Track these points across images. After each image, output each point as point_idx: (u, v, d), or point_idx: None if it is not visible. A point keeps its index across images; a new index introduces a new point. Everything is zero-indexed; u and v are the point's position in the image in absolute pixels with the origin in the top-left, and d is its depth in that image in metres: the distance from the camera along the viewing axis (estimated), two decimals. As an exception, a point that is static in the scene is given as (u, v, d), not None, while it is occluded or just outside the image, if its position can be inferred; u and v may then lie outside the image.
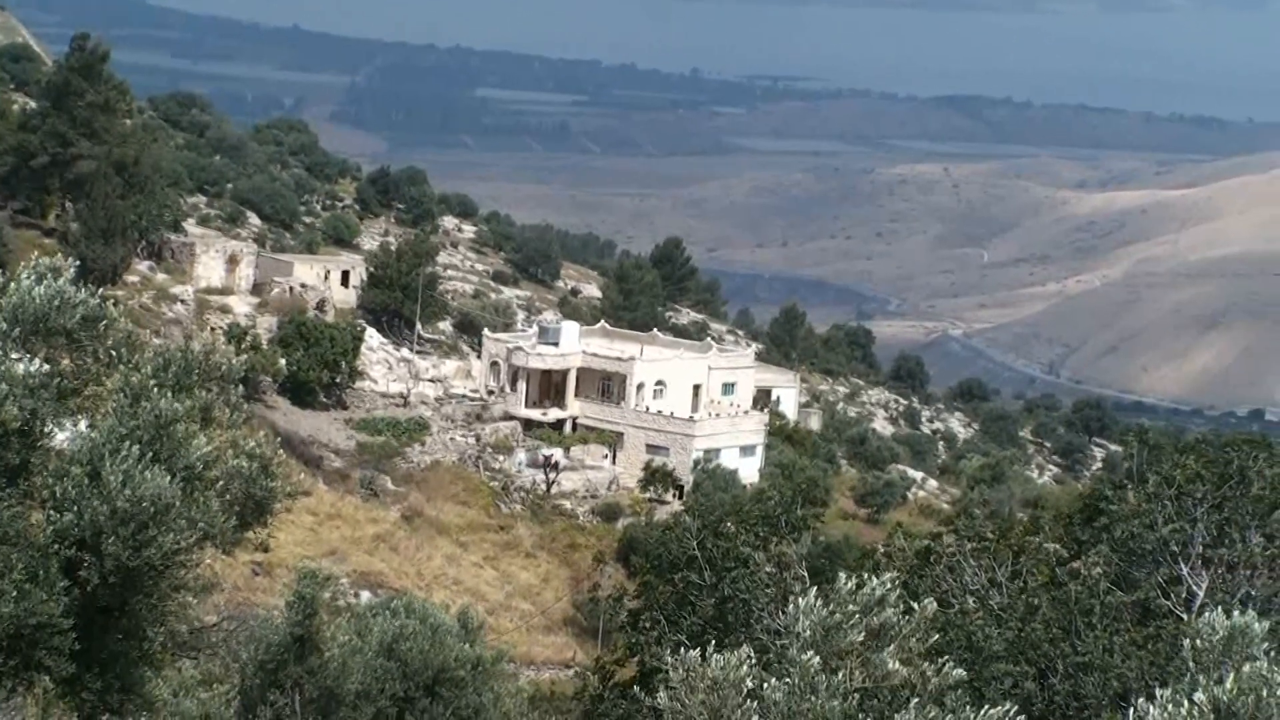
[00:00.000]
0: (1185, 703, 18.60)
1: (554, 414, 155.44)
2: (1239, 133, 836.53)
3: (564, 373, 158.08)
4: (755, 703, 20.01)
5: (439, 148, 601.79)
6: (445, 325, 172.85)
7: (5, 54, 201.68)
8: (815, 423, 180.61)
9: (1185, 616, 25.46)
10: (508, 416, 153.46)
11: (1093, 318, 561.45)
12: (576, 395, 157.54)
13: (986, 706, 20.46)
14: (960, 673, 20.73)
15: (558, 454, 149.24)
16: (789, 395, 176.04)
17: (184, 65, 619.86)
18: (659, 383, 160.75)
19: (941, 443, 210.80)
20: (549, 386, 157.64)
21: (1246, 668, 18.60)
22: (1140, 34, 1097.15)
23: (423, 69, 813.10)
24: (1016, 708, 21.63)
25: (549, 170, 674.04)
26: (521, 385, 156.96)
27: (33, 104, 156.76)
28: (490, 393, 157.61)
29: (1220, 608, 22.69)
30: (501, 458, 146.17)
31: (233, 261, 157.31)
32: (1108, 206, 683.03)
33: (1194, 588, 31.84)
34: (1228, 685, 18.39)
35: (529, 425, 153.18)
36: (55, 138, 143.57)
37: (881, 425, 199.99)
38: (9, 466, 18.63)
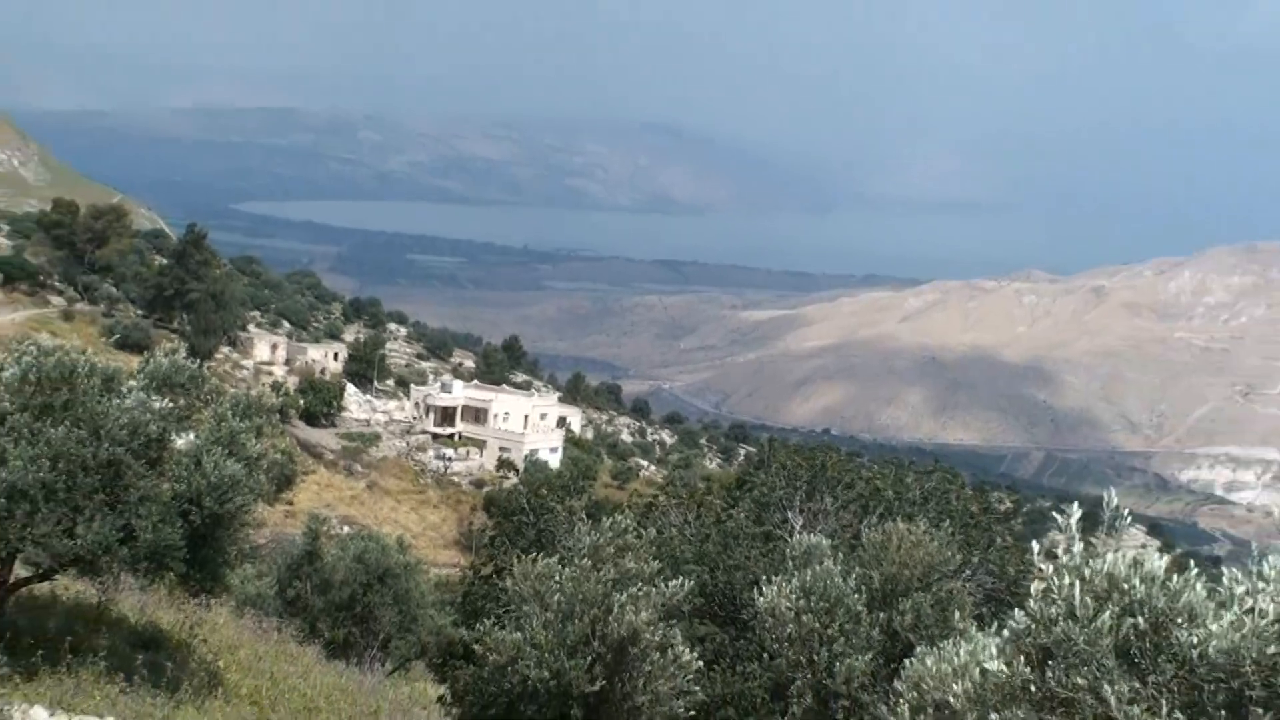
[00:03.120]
0: (788, 585, 18.76)
1: (449, 430, 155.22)
2: (819, 280, 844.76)
3: (455, 408, 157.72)
4: (557, 585, 20.02)
5: (387, 286, 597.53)
6: (390, 382, 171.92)
7: (150, 234, 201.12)
8: (590, 435, 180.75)
9: (789, 539, 25.83)
10: (424, 432, 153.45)
11: (741, 379, 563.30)
12: (461, 420, 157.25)
13: (675, 580, 20.58)
14: (659, 565, 20.86)
15: (450, 453, 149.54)
16: (576, 420, 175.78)
17: (249, 241, 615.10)
18: (505, 413, 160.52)
19: (658, 446, 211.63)
20: (446, 415, 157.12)
21: (819, 566, 18.79)
22: (770, 230, 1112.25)
23: (378, 244, 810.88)
24: (694, 586, 21.73)
25: (446, 299, 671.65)
26: (432, 415, 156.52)
27: (165, 261, 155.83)
28: (415, 419, 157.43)
29: (805, 534, 22.84)
30: (420, 454, 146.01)
31: (274, 347, 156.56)
32: (749, 319, 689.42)
33: (794, 525, 32.20)
34: (808, 576, 18.57)
35: (435, 437, 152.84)
36: (178, 279, 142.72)
37: (626, 436, 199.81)
38: (150, 459, 18.62)
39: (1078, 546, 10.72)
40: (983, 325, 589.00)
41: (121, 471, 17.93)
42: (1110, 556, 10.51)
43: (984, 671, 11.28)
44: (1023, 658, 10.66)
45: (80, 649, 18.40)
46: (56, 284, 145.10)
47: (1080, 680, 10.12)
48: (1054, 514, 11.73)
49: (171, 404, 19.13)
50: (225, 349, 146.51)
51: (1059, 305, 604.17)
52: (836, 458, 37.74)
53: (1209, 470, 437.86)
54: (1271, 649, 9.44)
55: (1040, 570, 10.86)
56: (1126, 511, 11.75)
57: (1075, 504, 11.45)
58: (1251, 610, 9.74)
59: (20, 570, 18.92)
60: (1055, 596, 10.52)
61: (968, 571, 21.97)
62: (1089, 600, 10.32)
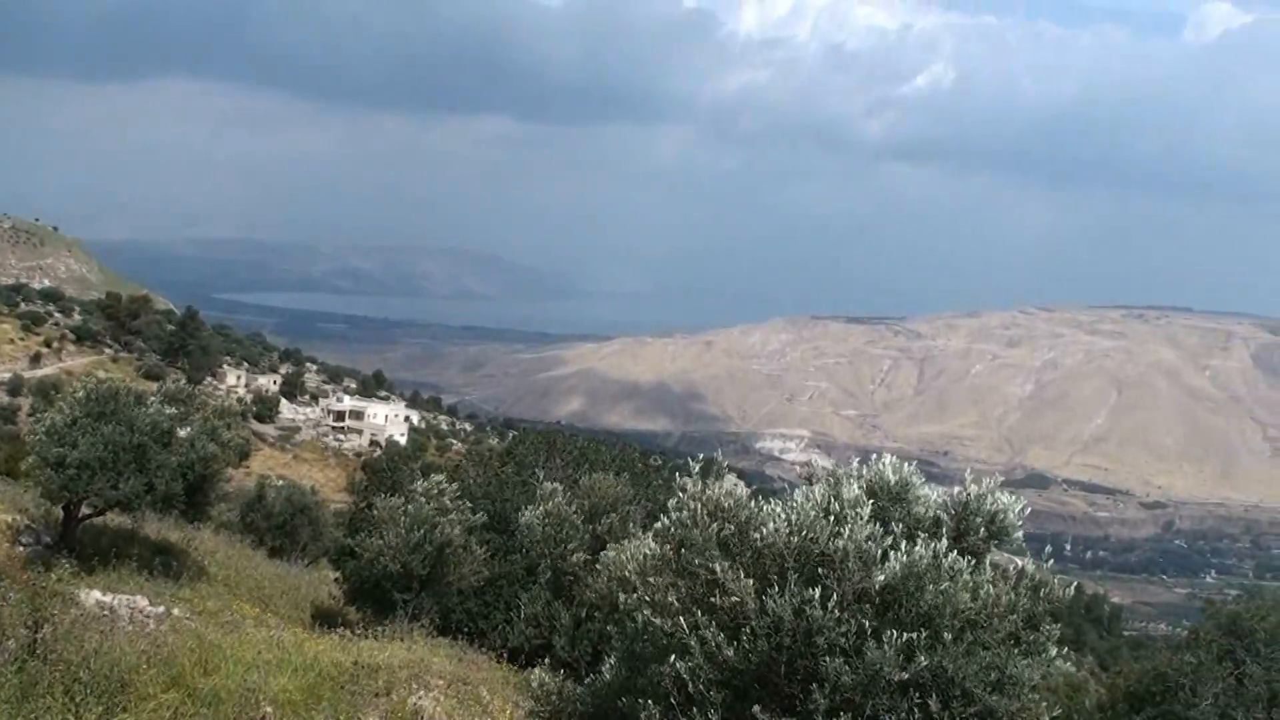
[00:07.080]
0: (537, 510, 18.69)
1: (342, 424, 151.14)
2: (559, 337, 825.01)
3: (345, 411, 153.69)
4: (403, 513, 19.70)
5: (305, 342, 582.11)
6: (307, 396, 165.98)
7: (164, 312, 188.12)
8: (423, 426, 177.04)
9: (537, 484, 25.63)
10: (327, 425, 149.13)
11: (512, 394, 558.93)
12: (349, 418, 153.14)
13: (472, 510, 20.34)
14: (463, 500, 20.63)
15: (343, 437, 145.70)
16: (415, 417, 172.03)
17: (224, 315, 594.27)
18: (375, 414, 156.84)
19: (463, 432, 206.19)
20: (340, 415, 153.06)
21: (554, 500, 18.81)
22: (529, 310, 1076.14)
23: (301, 317, 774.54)
24: (483, 512, 21.48)
25: (340, 349, 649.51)
26: (332, 415, 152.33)
27: (173, 327, 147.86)
28: (322, 418, 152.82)
29: (546, 481, 22.76)
30: (325, 438, 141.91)
31: (238, 378, 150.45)
32: (516, 359, 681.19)
33: (540, 475, 32.06)
34: (548, 504, 18.54)
35: (334, 428, 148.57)
36: (180, 338, 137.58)
37: (444, 427, 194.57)
38: (164, 443, 18.00)
39: (699, 484, 10.91)
40: (648, 363, 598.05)
41: (146, 450, 17.54)
42: (716, 489, 10.74)
43: (645, 555, 11.42)
44: (667, 547, 10.81)
45: (121, 555, 18.10)
46: (108, 341, 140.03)
47: (698, 560, 10.32)
48: (684, 465, 12.01)
49: (176, 411, 18.68)
50: (209, 379, 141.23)
51: (689, 351, 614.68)
52: (564, 438, 37.63)
53: (770, 442, 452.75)
54: (795, 540, 9.73)
55: (679, 497, 11.03)
56: (727, 464, 12.12)
57: (706, 459, 11.64)
58: (786, 520, 10.04)
59: (85, 509, 18.40)
60: (686, 511, 10.70)
61: (637, 501, 22.18)
62: (705, 515, 10.52)
